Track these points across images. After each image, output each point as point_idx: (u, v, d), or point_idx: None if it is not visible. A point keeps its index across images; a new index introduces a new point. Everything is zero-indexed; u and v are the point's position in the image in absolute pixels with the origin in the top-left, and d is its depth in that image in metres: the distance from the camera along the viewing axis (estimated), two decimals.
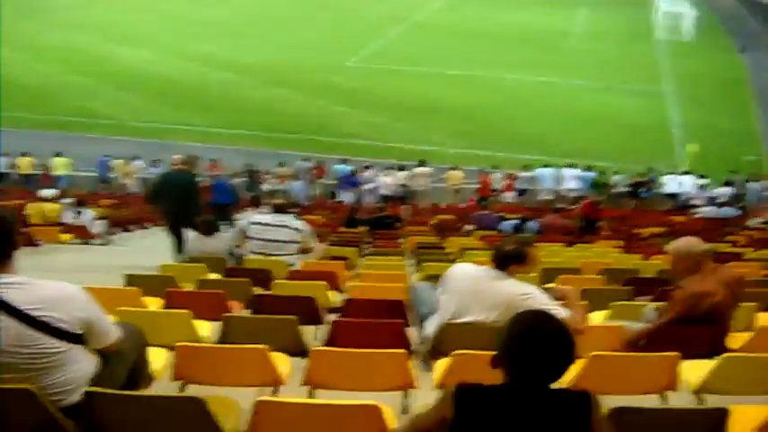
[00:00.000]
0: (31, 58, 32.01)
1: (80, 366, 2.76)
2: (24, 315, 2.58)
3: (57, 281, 2.72)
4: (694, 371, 3.68)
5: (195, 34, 37.29)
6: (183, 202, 8.90)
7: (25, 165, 21.67)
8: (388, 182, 20.90)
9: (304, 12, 43.34)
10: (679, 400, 3.65)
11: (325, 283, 6.14)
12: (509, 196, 21.06)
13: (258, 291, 5.83)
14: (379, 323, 4.45)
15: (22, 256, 2.76)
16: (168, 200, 9.02)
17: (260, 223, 7.51)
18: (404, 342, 4.19)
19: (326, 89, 29.53)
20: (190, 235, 8.40)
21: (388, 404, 2.97)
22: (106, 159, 22.02)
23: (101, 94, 28.04)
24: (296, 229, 7.47)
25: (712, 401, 3.50)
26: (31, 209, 12.91)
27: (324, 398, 3.42)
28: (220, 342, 4.26)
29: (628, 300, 5.67)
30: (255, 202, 18.16)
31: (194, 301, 5.05)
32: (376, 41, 37.66)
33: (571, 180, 20.84)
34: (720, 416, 2.73)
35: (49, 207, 13.06)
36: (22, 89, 27.73)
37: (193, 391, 3.52)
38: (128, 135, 24.29)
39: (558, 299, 4.18)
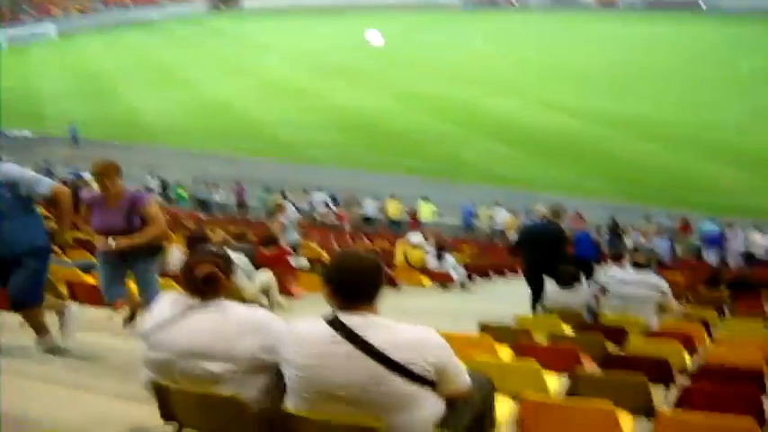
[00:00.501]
0: (404, 107, 34.56)
1: (428, 409, 2.81)
2: (381, 355, 2.69)
3: (416, 324, 2.81)
4: None
5: (562, 85, 37.64)
6: (546, 253, 8.89)
7: (393, 209, 23.19)
8: (758, 241, 19.29)
9: (673, 66, 41.76)
10: None
11: (680, 344, 5.82)
12: None
13: (611, 348, 5.68)
14: (733, 391, 4.15)
15: (383, 297, 2.89)
16: (532, 250, 9.08)
17: (619, 279, 7.36)
18: (757, 413, 3.84)
19: (696, 145, 27.98)
20: (548, 286, 8.39)
21: None
22: (470, 206, 22.89)
23: (467, 143, 29.23)
24: (655, 286, 7.21)
25: None
26: (397, 252, 13.69)
27: None
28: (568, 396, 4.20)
29: None
30: (617, 257, 17.64)
31: (546, 354, 5.03)
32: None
33: None
34: None
35: (413, 251, 13.75)
36: (394, 135, 30.05)
37: None
38: (493, 183, 24.97)
39: None
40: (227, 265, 3.31)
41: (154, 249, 6.07)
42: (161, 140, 30.90)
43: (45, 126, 33.85)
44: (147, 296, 6.01)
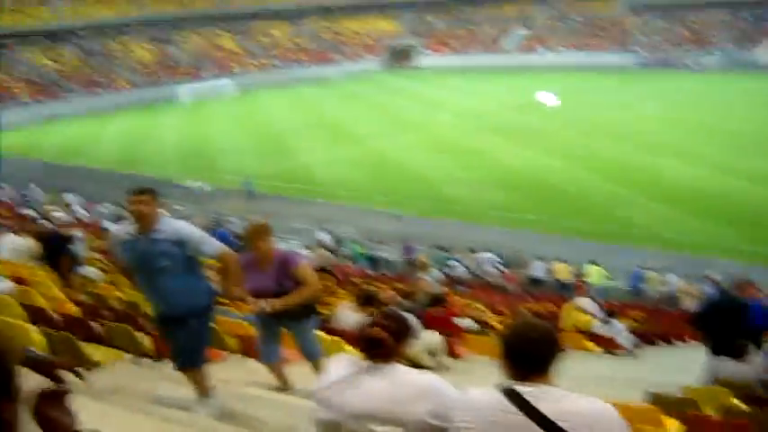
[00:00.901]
0: (573, 167, 34.32)
1: None
2: (556, 427, 2.68)
3: (588, 395, 2.80)
4: None
5: (739, 150, 36.12)
6: (725, 325, 8.67)
7: (561, 271, 22.95)
8: None
9: None
10: None
11: None
12: None
13: None
14: None
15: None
16: (712, 322, 8.88)
17: None
18: None
19: None
20: (718, 358, 8.15)
21: None
22: (639, 270, 22.33)
23: (637, 205, 28.55)
24: None
25: None
26: (563, 315, 13.56)
27: None
28: None
29: None
30: None
31: (718, 429, 4.94)
32: None
33: None
34: None
35: (580, 315, 13.57)
36: (561, 196, 29.88)
37: None
38: (662, 247, 24.28)
39: None
40: (402, 329, 3.33)
41: (309, 309, 6.07)
42: (331, 196, 31.90)
43: (220, 179, 35.60)
44: (307, 354, 6.19)
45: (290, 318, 5.91)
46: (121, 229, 5.45)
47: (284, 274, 5.81)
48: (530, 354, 2.83)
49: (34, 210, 24.55)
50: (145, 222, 5.15)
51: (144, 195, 5.15)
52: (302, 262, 6.08)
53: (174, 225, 5.25)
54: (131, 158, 41.55)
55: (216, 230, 21.69)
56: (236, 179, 34.05)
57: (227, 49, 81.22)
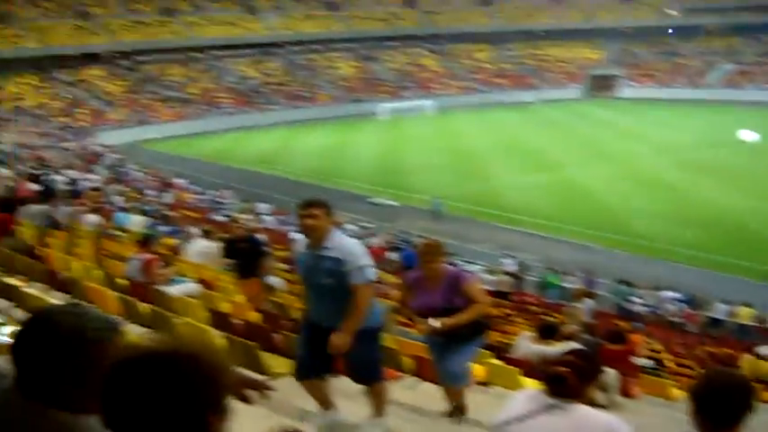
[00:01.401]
0: None
1: None
2: None
3: None
4: None
5: None
6: None
7: (745, 315, 22.09)
8: None
9: None
10: None
11: None
12: None
13: None
14: None
15: None
16: None
17: None
18: None
19: None
20: None
21: None
22: None
23: None
24: None
25: None
26: (744, 362, 13.19)
27: None
28: None
29: None
30: None
31: None
32: None
33: None
34: None
35: (762, 364, 13.08)
36: (755, 237, 28.73)
37: None
38: None
39: None
40: (590, 370, 3.29)
41: (477, 329, 5.92)
42: (518, 222, 31.93)
43: (410, 197, 36.24)
44: (451, 376, 6.00)
45: (457, 336, 5.77)
46: (300, 243, 5.66)
47: (453, 292, 5.72)
48: (721, 406, 2.74)
49: (226, 215, 26.07)
50: (313, 236, 5.12)
51: (313, 209, 5.09)
52: (472, 279, 6.07)
53: (342, 243, 5.16)
54: (326, 171, 43.19)
55: (404, 250, 22.48)
56: (425, 198, 34.66)
57: (430, 70, 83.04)
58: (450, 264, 7.01)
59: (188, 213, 25.00)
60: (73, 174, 28.21)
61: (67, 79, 67.43)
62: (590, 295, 24.30)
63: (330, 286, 5.04)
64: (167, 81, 71.16)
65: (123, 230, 16.47)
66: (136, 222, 18.02)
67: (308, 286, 5.34)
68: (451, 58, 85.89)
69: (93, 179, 28.98)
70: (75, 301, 6.73)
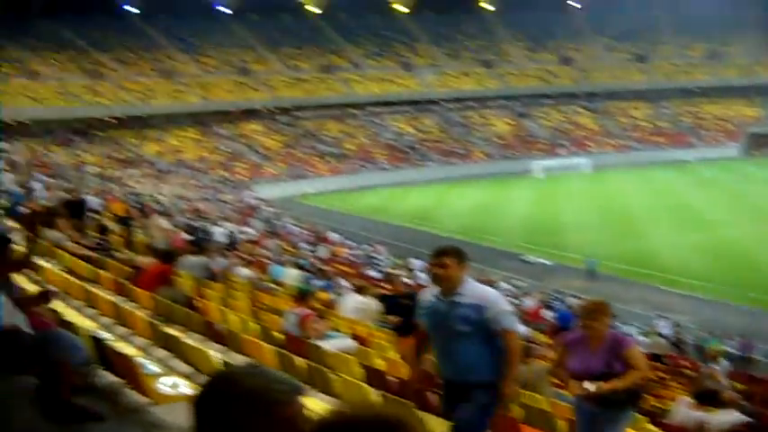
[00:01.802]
0: None
1: None
2: None
3: None
4: None
5: None
6: None
7: None
8: None
9: None
10: None
11: None
12: None
13: None
14: None
15: None
16: None
17: None
18: None
19: None
20: None
21: None
22: None
23: None
24: None
25: None
26: None
27: None
28: None
29: None
30: None
31: None
32: None
33: None
34: None
35: None
36: None
37: None
38: None
39: None
40: None
41: (632, 397, 5.58)
42: (672, 282, 30.58)
43: (563, 256, 35.47)
44: None
45: (611, 403, 5.42)
46: (428, 292, 5.43)
47: (614, 356, 5.42)
48: None
49: (379, 271, 26.23)
50: (445, 285, 5.05)
51: (443, 258, 5.03)
52: (634, 345, 5.82)
53: (478, 290, 5.09)
54: (479, 228, 42.82)
55: (560, 311, 21.88)
56: (578, 257, 33.91)
57: (585, 127, 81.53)
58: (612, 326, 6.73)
59: (342, 268, 25.25)
60: (229, 226, 29.27)
61: (227, 133, 70.80)
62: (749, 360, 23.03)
63: (465, 334, 4.93)
64: (324, 136, 73.25)
65: (278, 284, 16.74)
66: (291, 276, 18.27)
67: (437, 337, 5.21)
68: (607, 115, 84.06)
69: (248, 232, 29.96)
70: (255, 362, 6.82)
